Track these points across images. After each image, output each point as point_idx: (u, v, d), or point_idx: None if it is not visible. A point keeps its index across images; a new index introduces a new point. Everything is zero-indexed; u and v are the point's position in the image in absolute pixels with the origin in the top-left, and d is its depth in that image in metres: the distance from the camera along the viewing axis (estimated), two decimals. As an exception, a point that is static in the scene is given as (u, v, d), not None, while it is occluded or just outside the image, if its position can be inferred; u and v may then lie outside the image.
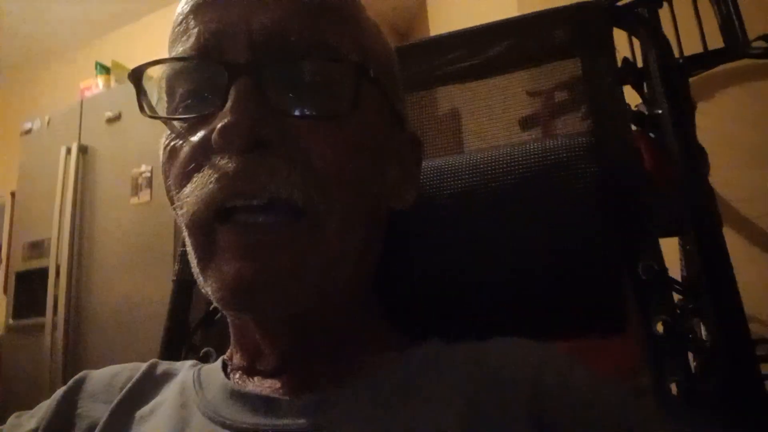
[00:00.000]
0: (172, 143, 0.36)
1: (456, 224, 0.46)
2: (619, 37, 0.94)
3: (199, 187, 0.33)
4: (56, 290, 2.01)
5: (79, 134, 2.17)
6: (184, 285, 0.64)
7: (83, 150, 2.14)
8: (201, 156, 0.33)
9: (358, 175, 0.36)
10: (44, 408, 0.41)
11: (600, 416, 0.31)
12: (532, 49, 0.64)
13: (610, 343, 0.46)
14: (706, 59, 0.94)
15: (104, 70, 2.58)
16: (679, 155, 0.49)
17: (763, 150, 1.39)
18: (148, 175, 1.92)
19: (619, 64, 0.90)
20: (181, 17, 0.36)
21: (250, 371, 0.39)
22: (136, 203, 1.94)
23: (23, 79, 3.41)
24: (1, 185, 3.11)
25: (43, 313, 2.02)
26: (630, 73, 1.01)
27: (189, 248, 0.35)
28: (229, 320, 0.40)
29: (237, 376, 0.39)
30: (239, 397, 0.36)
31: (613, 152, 0.49)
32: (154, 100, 0.37)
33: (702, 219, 0.45)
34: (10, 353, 2.22)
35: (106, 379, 0.42)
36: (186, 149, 0.34)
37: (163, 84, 0.37)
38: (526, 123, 0.80)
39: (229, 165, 0.32)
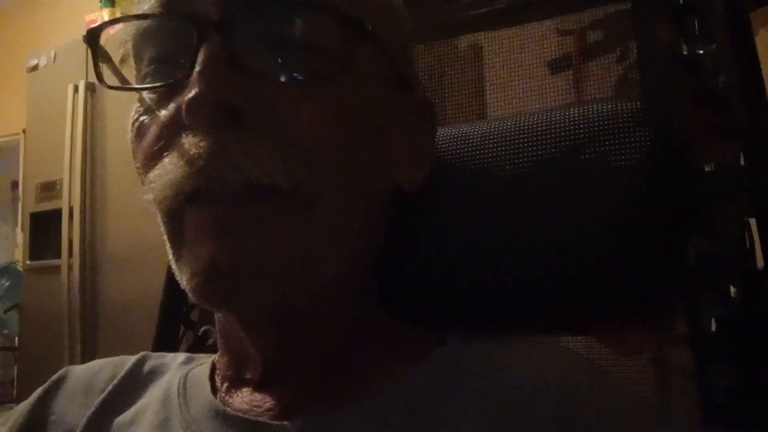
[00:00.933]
0: (141, 119, 0.32)
1: (477, 204, 0.40)
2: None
3: (165, 172, 0.29)
4: (70, 232, 2.02)
5: (86, 72, 2.09)
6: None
7: (91, 88, 2.08)
8: (170, 133, 0.29)
9: (352, 148, 0.31)
10: (17, 413, 0.39)
11: None
12: None
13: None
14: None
15: (109, 2, 2.51)
16: (744, 108, 0.40)
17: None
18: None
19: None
20: None
21: (236, 382, 0.35)
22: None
23: (27, 13, 3.32)
24: (13, 123, 3.09)
25: (58, 255, 2.04)
26: (675, 5, 0.90)
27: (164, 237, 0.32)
28: (216, 319, 0.37)
29: (224, 388, 0.36)
30: (224, 418, 0.33)
31: (665, 117, 0.40)
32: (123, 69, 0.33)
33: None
34: (28, 293, 2.28)
35: (87, 378, 0.40)
36: (154, 126, 0.30)
37: (129, 47, 0.33)
38: (556, 66, 0.72)
39: (199, 145, 0.27)
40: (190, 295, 0.29)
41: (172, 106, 0.29)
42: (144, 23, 0.31)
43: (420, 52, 0.60)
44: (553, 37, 0.74)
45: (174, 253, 0.31)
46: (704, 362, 0.36)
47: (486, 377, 0.31)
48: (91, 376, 0.40)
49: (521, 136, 0.40)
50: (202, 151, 0.27)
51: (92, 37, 0.32)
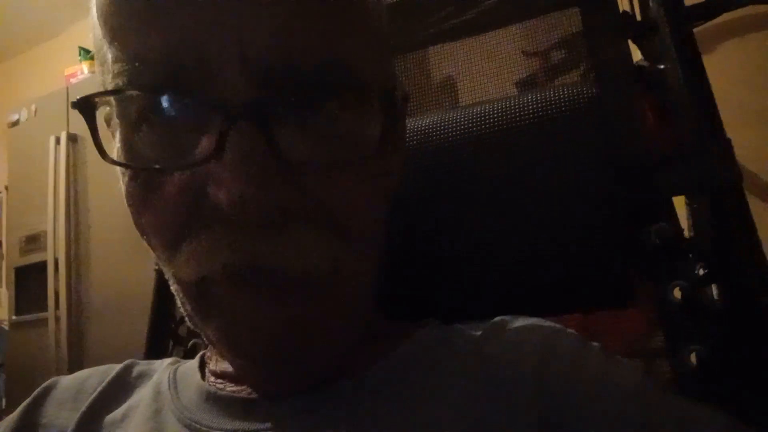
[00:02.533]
0: (139, 189, 0.28)
1: (441, 186, 0.41)
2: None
3: (206, 253, 0.27)
4: (56, 284, 2.00)
5: (68, 123, 2.12)
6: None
7: (73, 139, 2.10)
8: (196, 213, 0.27)
9: (377, 203, 0.31)
10: (5, 423, 0.39)
11: (612, 408, 0.28)
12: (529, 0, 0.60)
13: (620, 312, 0.43)
14: (711, 7, 0.89)
15: (88, 54, 2.54)
16: (693, 110, 0.45)
17: (756, 108, 1.35)
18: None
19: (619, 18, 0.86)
20: (122, 6, 0.27)
21: (227, 375, 0.36)
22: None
23: (6, 69, 3.34)
24: (-6, 180, 3.08)
25: (44, 308, 2.01)
26: (630, 26, 0.96)
27: (176, 290, 0.31)
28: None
29: (213, 379, 0.37)
30: (216, 400, 0.34)
31: (617, 107, 0.45)
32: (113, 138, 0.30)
33: (722, 175, 0.41)
34: (15, 349, 2.22)
35: (76, 385, 0.40)
36: (167, 201, 0.27)
37: (115, 112, 0.29)
38: (523, 86, 0.76)
39: (250, 242, 0.26)
40: (223, 351, 0.30)
41: (184, 180, 0.27)
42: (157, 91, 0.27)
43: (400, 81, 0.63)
44: (521, 59, 0.79)
45: (197, 315, 0.30)
46: (671, 327, 0.39)
47: (464, 354, 0.33)
48: (79, 382, 0.40)
49: (481, 119, 0.42)
50: (250, 247, 0.26)
51: (87, 106, 0.28)
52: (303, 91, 0.26)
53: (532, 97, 0.44)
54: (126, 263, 1.87)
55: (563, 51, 0.79)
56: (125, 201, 0.30)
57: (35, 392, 0.40)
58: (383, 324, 0.38)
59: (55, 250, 2.01)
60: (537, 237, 0.40)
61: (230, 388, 0.35)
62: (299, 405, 0.32)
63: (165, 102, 0.27)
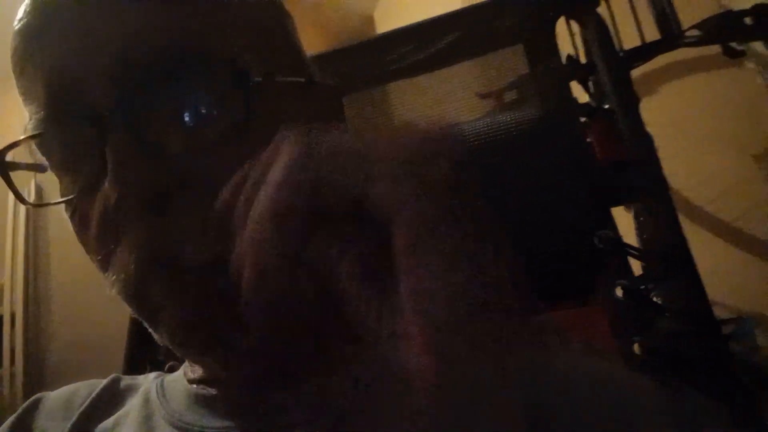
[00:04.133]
0: (77, 223, 0.31)
1: None
2: (562, 37, 0.97)
3: (121, 268, 0.29)
4: (12, 340, 1.92)
5: (35, 173, 2.09)
6: None
7: (38, 189, 2.06)
8: (110, 227, 0.29)
9: None
10: None
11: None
12: (479, 39, 0.65)
13: (585, 311, 0.46)
14: (645, 51, 0.98)
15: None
16: (630, 137, 0.51)
17: (710, 137, 1.45)
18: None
19: (564, 62, 0.93)
20: (15, 57, 0.30)
21: (210, 381, 0.37)
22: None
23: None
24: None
25: (-1, 364, 1.92)
26: (575, 69, 1.04)
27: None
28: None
29: (197, 386, 0.38)
30: (204, 401, 0.35)
31: (563, 130, 0.50)
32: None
33: (655, 187, 0.46)
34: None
35: (65, 397, 0.40)
36: (93, 226, 0.30)
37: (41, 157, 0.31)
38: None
39: (138, 237, 0.28)
40: (173, 348, 0.31)
41: (97, 202, 0.29)
42: (42, 132, 0.29)
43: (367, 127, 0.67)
44: (476, 101, 0.84)
45: (151, 328, 0.32)
46: (616, 322, 0.43)
47: None
48: (68, 395, 0.40)
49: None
50: (140, 243, 0.28)
51: (1, 166, 0.31)
52: (158, 81, 0.28)
53: (483, 123, 0.48)
54: (89, 315, 1.82)
55: (515, 92, 0.85)
56: None
57: (24, 405, 0.40)
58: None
59: (12, 304, 1.94)
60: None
61: (212, 391, 0.36)
62: (280, 405, 0.33)
63: (59, 134, 0.29)
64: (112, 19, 0.28)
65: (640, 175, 0.48)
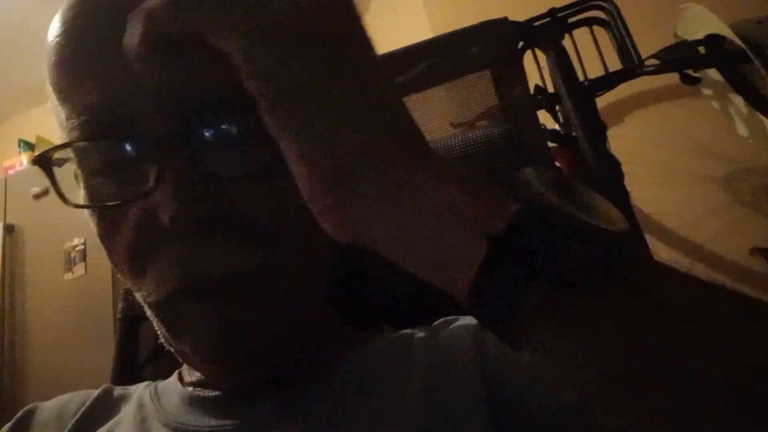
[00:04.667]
0: (105, 225, 0.33)
1: None
2: (530, 68, 1.02)
3: (164, 276, 0.31)
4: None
5: (5, 214, 2.07)
6: (130, 322, 0.65)
7: (9, 229, 2.04)
8: (148, 239, 0.32)
9: (309, 221, 0.35)
10: None
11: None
12: (450, 66, 0.69)
13: None
14: (608, 80, 1.03)
15: (28, 146, 2.52)
16: (595, 160, 0.54)
17: (670, 166, 1.52)
18: (82, 247, 1.84)
19: (532, 91, 0.98)
20: (64, 57, 0.32)
21: (206, 384, 0.39)
22: (70, 278, 1.84)
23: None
24: None
25: (-28, 412, 1.85)
26: (543, 97, 1.08)
27: (150, 314, 0.34)
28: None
29: (192, 388, 0.39)
30: (198, 402, 0.37)
31: (531, 148, 0.53)
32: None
33: (619, 206, 0.50)
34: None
35: (58, 408, 0.41)
36: (128, 232, 0.32)
37: (73, 161, 0.34)
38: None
39: (184, 252, 0.31)
40: (201, 362, 0.34)
41: (137, 214, 0.31)
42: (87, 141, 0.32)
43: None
44: (450, 129, 0.88)
45: (170, 334, 0.33)
46: None
47: (419, 349, 0.37)
48: (62, 405, 0.41)
49: None
50: (186, 257, 0.30)
51: (44, 161, 0.33)
52: (212, 118, 0.31)
53: (455, 140, 0.51)
54: (68, 354, 1.78)
55: (485, 121, 0.89)
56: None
57: (17, 415, 0.41)
58: (343, 331, 0.42)
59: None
60: None
61: (208, 393, 0.38)
62: (274, 404, 0.35)
63: (109, 148, 0.32)
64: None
65: (604, 195, 0.51)
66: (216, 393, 0.37)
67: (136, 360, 0.62)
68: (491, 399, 0.32)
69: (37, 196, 1.97)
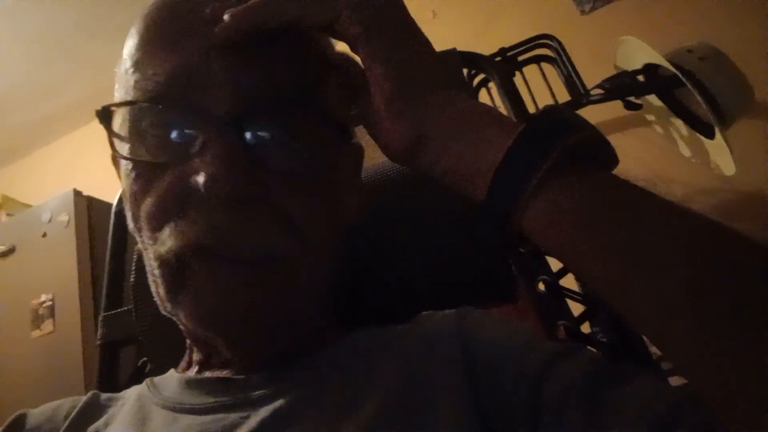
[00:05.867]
0: (141, 182, 0.35)
1: (372, 232, 0.49)
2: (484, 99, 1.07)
3: (184, 229, 0.33)
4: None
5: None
6: (109, 347, 0.67)
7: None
8: (181, 199, 0.33)
9: (330, 221, 0.38)
10: None
11: (512, 343, 0.36)
12: None
13: (514, 309, 0.53)
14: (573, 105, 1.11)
15: (8, 201, 2.49)
16: None
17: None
18: (50, 303, 1.79)
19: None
20: (156, 31, 0.36)
21: (205, 365, 0.40)
22: (38, 336, 1.79)
23: None
24: None
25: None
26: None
27: (154, 276, 0.36)
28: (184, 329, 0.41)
29: (192, 371, 0.40)
30: (196, 384, 0.38)
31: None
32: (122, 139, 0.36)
33: None
34: None
35: (48, 413, 0.41)
36: (161, 190, 0.34)
37: (127, 119, 0.36)
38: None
39: (219, 216, 0.32)
40: (191, 324, 0.35)
41: (175, 174, 0.33)
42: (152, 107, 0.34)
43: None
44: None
45: (168, 293, 0.34)
46: (541, 312, 0.52)
47: (400, 338, 0.40)
48: (51, 410, 0.41)
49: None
50: (222, 222, 0.32)
51: (106, 114, 0.35)
52: (274, 111, 0.34)
53: None
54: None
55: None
56: (124, 197, 0.37)
57: (7, 422, 0.40)
58: (334, 327, 0.44)
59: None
60: (441, 255, 0.50)
61: (207, 374, 0.39)
62: (267, 376, 0.37)
63: (165, 111, 0.34)
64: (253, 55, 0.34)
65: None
66: (212, 375, 0.39)
67: (117, 384, 0.64)
68: (471, 372, 0.35)
69: (3, 255, 1.93)
